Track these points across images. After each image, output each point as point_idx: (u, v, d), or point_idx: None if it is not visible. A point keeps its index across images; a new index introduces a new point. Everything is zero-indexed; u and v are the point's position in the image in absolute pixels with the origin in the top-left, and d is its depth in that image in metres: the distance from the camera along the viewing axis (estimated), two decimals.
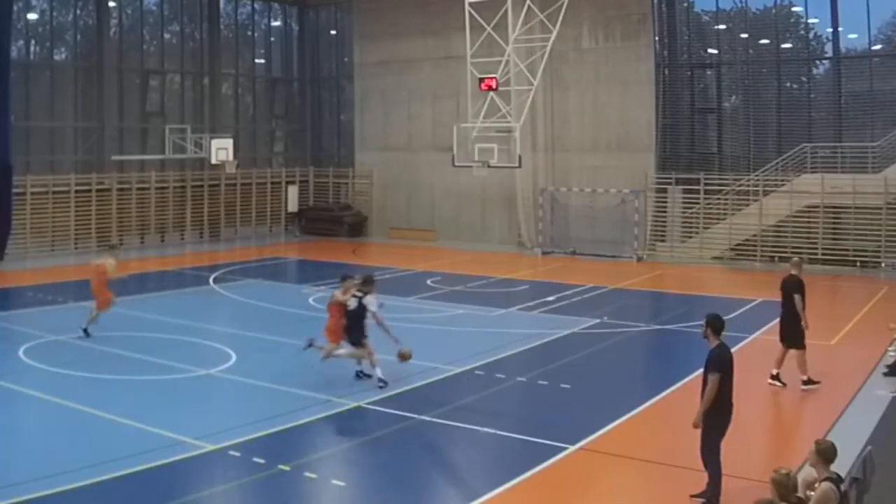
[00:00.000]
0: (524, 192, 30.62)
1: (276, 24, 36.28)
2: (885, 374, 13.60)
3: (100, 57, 29.05)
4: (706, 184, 27.73)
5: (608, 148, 29.48)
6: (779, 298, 13.76)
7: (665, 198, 28.70)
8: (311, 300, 20.39)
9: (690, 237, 28.30)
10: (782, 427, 11.03)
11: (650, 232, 28.83)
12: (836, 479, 6.73)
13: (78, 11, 28.83)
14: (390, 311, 19.17)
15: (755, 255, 26.78)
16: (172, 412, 11.64)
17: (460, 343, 16.58)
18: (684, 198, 28.47)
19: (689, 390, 13.19)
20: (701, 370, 14.16)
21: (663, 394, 13.02)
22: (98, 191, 28.60)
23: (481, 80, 25.30)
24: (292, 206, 35.12)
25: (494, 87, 25.12)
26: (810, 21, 27.75)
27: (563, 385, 13.43)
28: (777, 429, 10.70)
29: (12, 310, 19.22)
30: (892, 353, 14.29)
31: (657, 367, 16.04)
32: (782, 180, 26.48)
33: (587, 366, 15.13)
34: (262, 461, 9.87)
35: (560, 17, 24.50)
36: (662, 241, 28.87)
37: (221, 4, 33.27)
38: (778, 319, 13.67)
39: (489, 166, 25.90)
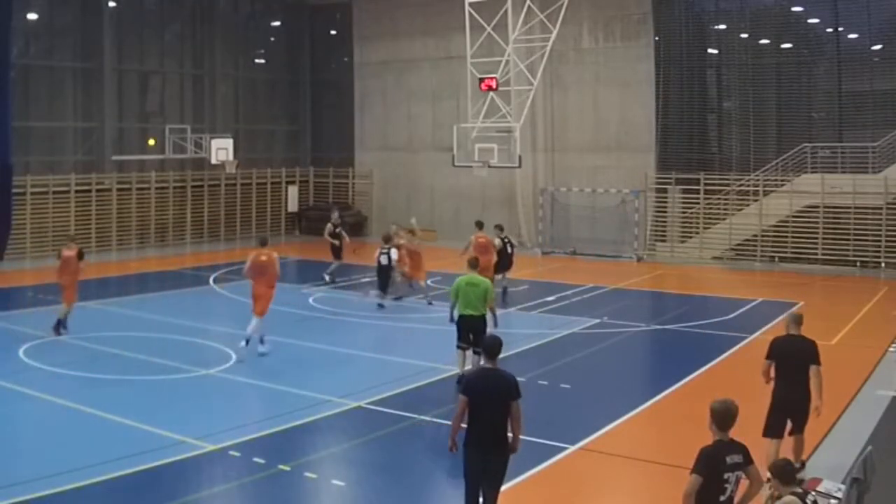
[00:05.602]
0: (524, 192, 30.62)
1: (276, 24, 36.26)
2: None
3: (99, 57, 29.03)
4: (706, 184, 27.73)
5: (608, 148, 29.47)
6: (777, 298, 13.74)
7: (665, 198, 28.70)
8: (311, 300, 20.40)
9: (690, 237, 28.30)
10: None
11: (650, 232, 28.83)
12: (802, 495, 6.68)
13: (78, 11, 28.80)
14: (390, 312, 19.27)
15: (755, 255, 26.78)
16: (172, 412, 11.65)
17: None
18: (684, 198, 28.46)
19: (688, 390, 13.23)
20: (700, 370, 14.27)
21: (663, 394, 13.01)
22: (98, 191, 28.60)
23: (481, 80, 25.31)
24: (292, 206, 35.13)
25: (494, 87, 25.13)
26: (810, 21, 27.73)
27: (563, 385, 13.43)
28: None
29: (12, 310, 19.20)
30: (892, 351, 14.31)
31: (657, 367, 16.06)
32: (782, 180, 26.47)
33: (587, 366, 15.12)
34: (262, 461, 9.87)
35: (560, 17, 24.51)
36: (662, 241, 28.87)
37: (221, 4, 33.26)
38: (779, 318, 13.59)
39: (489, 166, 25.90)
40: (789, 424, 9.41)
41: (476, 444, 7.70)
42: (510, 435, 7.77)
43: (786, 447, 9.33)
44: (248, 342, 14.64)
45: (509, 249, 21.04)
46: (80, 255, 16.35)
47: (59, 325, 15.91)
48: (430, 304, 19.41)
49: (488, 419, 7.64)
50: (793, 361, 9.31)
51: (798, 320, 9.60)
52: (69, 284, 16.13)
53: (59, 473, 9.24)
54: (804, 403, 9.24)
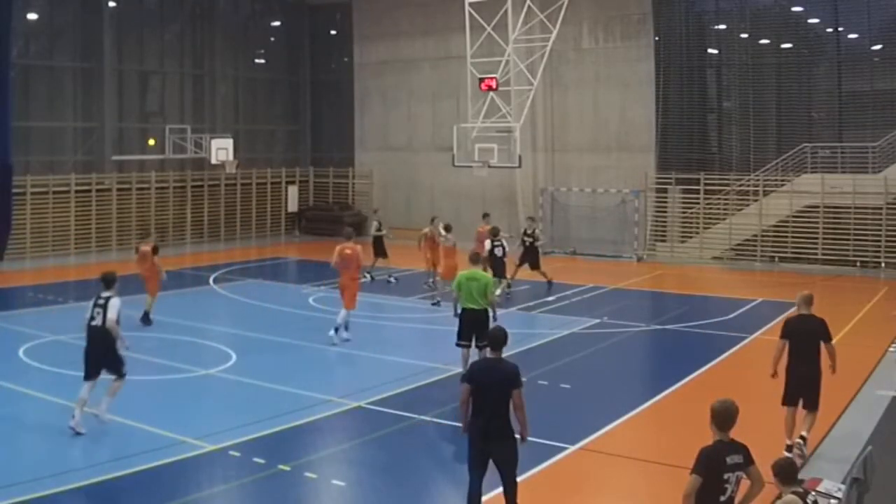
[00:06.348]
0: (524, 192, 30.61)
1: (276, 24, 36.27)
2: None
3: (99, 57, 29.03)
4: (706, 184, 27.72)
5: (608, 148, 29.47)
6: (777, 298, 13.78)
7: (665, 198, 28.69)
8: (311, 300, 20.39)
9: (690, 237, 28.29)
10: (782, 426, 10.99)
11: (650, 232, 28.82)
12: (803, 494, 6.68)
13: (78, 11, 28.80)
14: (391, 311, 19.28)
15: (755, 255, 26.77)
16: (172, 412, 11.64)
17: None
18: (684, 198, 28.46)
19: (688, 390, 13.22)
20: (700, 370, 14.27)
21: (663, 394, 13.02)
22: (98, 191, 28.60)
23: (481, 80, 25.31)
24: (292, 206, 35.13)
25: (494, 87, 25.13)
26: (810, 21, 27.73)
27: (563, 385, 13.43)
28: (779, 429, 10.67)
29: (12, 310, 19.21)
30: (892, 351, 14.31)
31: (657, 367, 16.05)
32: (782, 180, 26.47)
33: (587, 366, 15.12)
34: (262, 461, 9.88)
35: (560, 17, 24.50)
36: (662, 241, 28.86)
37: (221, 4, 33.26)
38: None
39: (489, 166, 25.90)
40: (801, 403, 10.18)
41: (479, 434, 7.86)
42: (517, 425, 7.90)
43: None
44: (336, 330, 15.64)
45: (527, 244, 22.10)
46: (155, 250, 17.41)
47: (146, 317, 17.02)
48: (435, 304, 19.43)
49: (491, 408, 7.80)
50: (805, 339, 10.07)
51: (809, 300, 10.29)
52: (149, 277, 17.20)
53: (59, 473, 9.25)
54: (815, 380, 10.11)
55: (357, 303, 16.12)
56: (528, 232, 22.24)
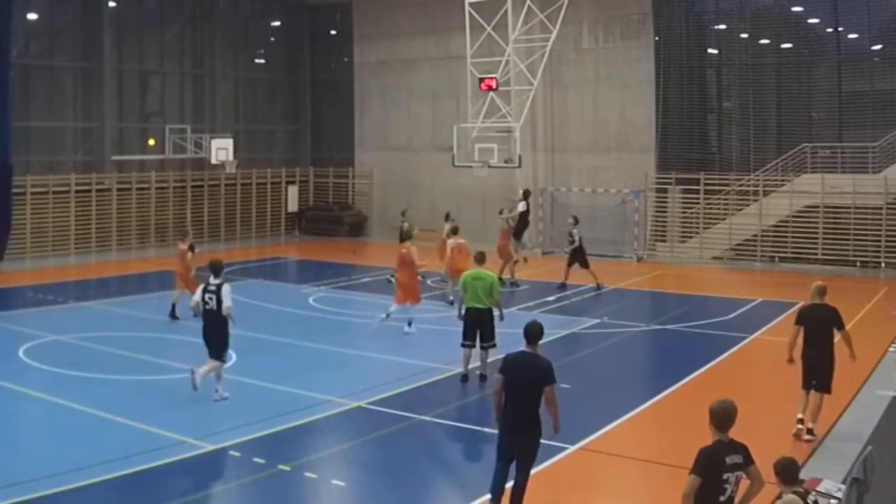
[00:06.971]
0: None
1: (276, 24, 36.27)
2: None
3: (99, 57, 29.02)
4: (706, 184, 27.73)
5: (608, 148, 29.47)
6: (777, 298, 13.84)
7: (665, 198, 28.69)
8: (311, 300, 20.39)
9: (690, 237, 28.29)
10: (784, 427, 11.00)
11: (650, 232, 28.82)
12: (803, 494, 6.68)
13: (78, 11, 28.79)
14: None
15: (755, 255, 26.78)
16: (172, 412, 11.65)
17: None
18: (684, 198, 28.46)
19: (688, 390, 13.23)
20: (700, 370, 14.27)
21: (663, 394, 13.02)
22: (98, 191, 28.59)
23: (481, 80, 25.32)
24: (292, 206, 35.14)
25: (494, 87, 25.15)
26: (810, 21, 27.73)
27: (563, 385, 13.29)
28: (779, 429, 10.68)
29: (12, 310, 19.21)
30: (892, 351, 14.31)
31: (657, 367, 16.05)
32: (782, 180, 26.47)
33: (587, 366, 15.13)
34: (262, 461, 9.88)
35: (560, 17, 24.52)
36: (663, 241, 28.87)
37: (221, 4, 33.26)
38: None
39: (489, 166, 25.91)
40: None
41: (507, 426, 8.16)
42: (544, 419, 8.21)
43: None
44: (409, 324, 16.58)
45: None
46: (191, 249, 18.00)
47: (173, 311, 17.50)
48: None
49: (520, 401, 8.10)
50: (817, 327, 10.82)
51: (822, 291, 11.14)
52: (182, 274, 17.78)
53: (59, 473, 9.24)
54: (826, 364, 10.81)
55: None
56: (570, 232, 22.69)
